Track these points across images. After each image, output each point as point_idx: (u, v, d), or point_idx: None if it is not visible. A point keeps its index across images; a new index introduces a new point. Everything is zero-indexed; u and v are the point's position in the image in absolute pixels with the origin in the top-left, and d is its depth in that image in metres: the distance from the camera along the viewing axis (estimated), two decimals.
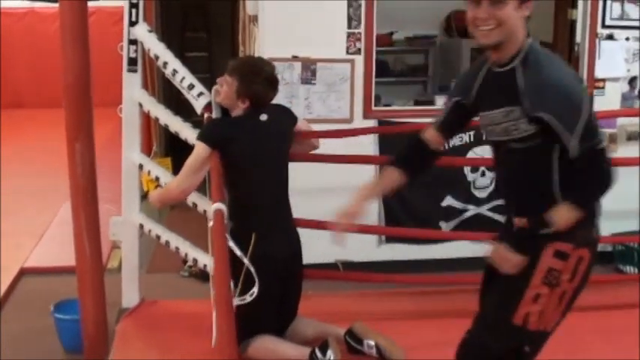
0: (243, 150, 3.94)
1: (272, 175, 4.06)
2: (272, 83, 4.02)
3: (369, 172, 5.91)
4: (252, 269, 3.77)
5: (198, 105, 4.33)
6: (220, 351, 2.66)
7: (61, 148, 4.55)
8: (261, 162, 3.98)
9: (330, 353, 3.79)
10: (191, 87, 4.39)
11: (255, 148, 3.96)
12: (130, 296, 4.88)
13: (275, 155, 4.07)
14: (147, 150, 7.27)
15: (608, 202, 6.37)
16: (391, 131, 5.79)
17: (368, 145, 5.76)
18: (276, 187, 4.08)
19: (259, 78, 3.94)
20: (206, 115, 4.24)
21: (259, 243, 3.84)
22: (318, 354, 3.82)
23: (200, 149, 3.91)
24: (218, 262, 3.18)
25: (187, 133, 4.43)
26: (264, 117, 4.01)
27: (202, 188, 4.20)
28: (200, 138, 3.94)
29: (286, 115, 4.25)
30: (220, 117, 4.13)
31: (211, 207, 3.59)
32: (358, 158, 5.32)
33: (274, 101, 4.12)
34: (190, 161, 3.93)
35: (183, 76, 4.45)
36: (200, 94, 4.35)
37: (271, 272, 3.88)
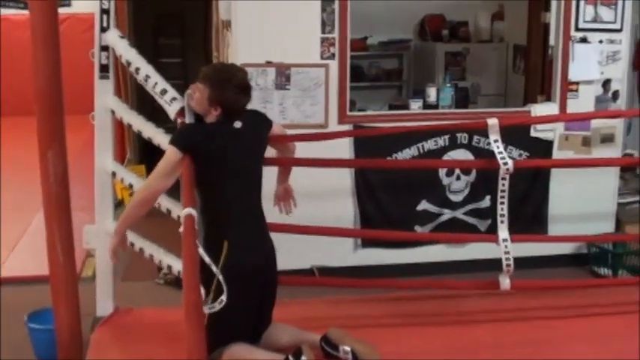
0: (215, 157, 3.90)
1: (245, 182, 4.02)
2: (244, 90, 3.98)
3: (344, 176, 5.91)
4: (220, 277, 3.74)
5: (172, 110, 4.29)
6: (190, 357, 2.63)
7: (34, 156, 4.51)
8: (233, 169, 3.94)
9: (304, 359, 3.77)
10: (164, 92, 4.35)
11: (227, 155, 3.93)
12: (104, 305, 4.84)
13: (248, 162, 4.04)
14: (120, 158, 7.26)
15: (584, 203, 6.46)
16: (366, 134, 5.78)
17: (343, 150, 5.74)
18: (250, 194, 4.05)
19: (230, 85, 3.90)
20: (179, 121, 4.21)
21: (232, 251, 3.81)
22: None
23: (171, 153, 3.87)
24: (187, 268, 3.16)
25: (161, 138, 4.40)
26: (238, 124, 3.97)
27: (177, 195, 4.17)
28: (172, 142, 3.90)
29: (261, 120, 4.22)
30: (193, 122, 4.10)
31: (182, 212, 3.55)
32: (334, 162, 5.29)
33: (249, 106, 4.09)
34: (161, 165, 3.88)
35: (155, 82, 4.41)
36: (173, 99, 4.31)
37: (245, 280, 3.85)
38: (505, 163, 4.71)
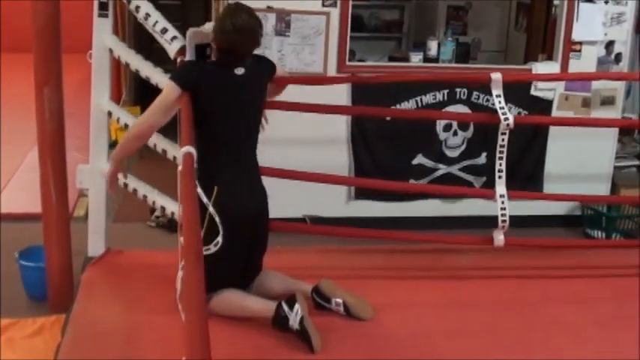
0: (213, 99, 3.84)
1: (242, 128, 3.96)
2: (239, 31, 3.78)
3: (340, 127, 5.87)
4: (217, 218, 3.72)
5: (172, 49, 4.23)
6: (188, 300, 2.60)
7: (30, 93, 4.46)
8: (231, 113, 3.89)
9: (297, 307, 3.75)
10: (164, 31, 4.29)
11: (226, 99, 3.86)
12: (95, 245, 4.82)
13: (247, 110, 3.98)
14: (116, 98, 7.19)
15: (580, 165, 6.43)
16: (365, 81, 5.71)
17: (340, 98, 5.69)
18: (245, 141, 3.99)
19: (229, 22, 3.77)
20: (179, 60, 4.15)
21: (222, 195, 3.78)
22: (285, 307, 3.77)
23: (170, 89, 3.79)
24: (186, 207, 3.11)
25: (159, 78, 4.36)
26: (240, 71, 3.86)
27: (173, 136, 4.12)
28: (172, 78, 3.83)
29: (265, 67, 4.13)
30: (195, 60, 4.03)
31: (180, 151, 3.51)
32: (331, 108, 5.21)
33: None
34: (158, 100, 3.81)
35: (156, 20, 4.34)
36: (174, 38, 4.25)
37: (235, 225, 3.83)
38: (506, 119, 4.68)
